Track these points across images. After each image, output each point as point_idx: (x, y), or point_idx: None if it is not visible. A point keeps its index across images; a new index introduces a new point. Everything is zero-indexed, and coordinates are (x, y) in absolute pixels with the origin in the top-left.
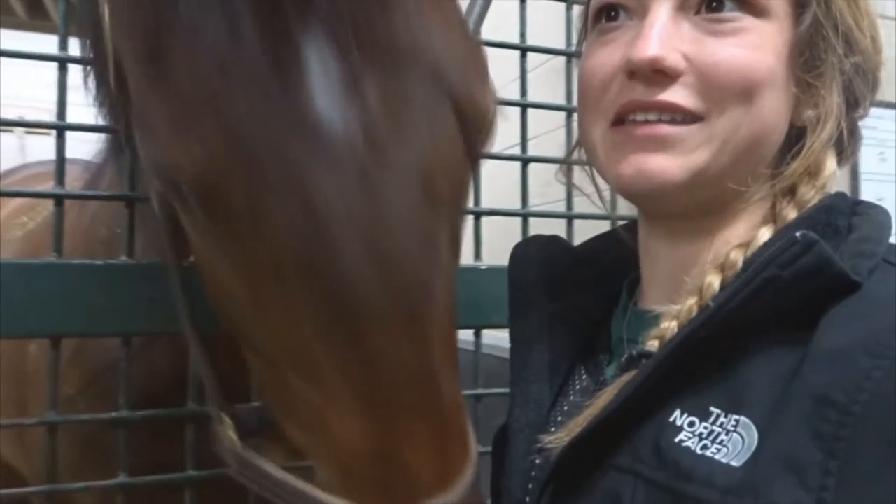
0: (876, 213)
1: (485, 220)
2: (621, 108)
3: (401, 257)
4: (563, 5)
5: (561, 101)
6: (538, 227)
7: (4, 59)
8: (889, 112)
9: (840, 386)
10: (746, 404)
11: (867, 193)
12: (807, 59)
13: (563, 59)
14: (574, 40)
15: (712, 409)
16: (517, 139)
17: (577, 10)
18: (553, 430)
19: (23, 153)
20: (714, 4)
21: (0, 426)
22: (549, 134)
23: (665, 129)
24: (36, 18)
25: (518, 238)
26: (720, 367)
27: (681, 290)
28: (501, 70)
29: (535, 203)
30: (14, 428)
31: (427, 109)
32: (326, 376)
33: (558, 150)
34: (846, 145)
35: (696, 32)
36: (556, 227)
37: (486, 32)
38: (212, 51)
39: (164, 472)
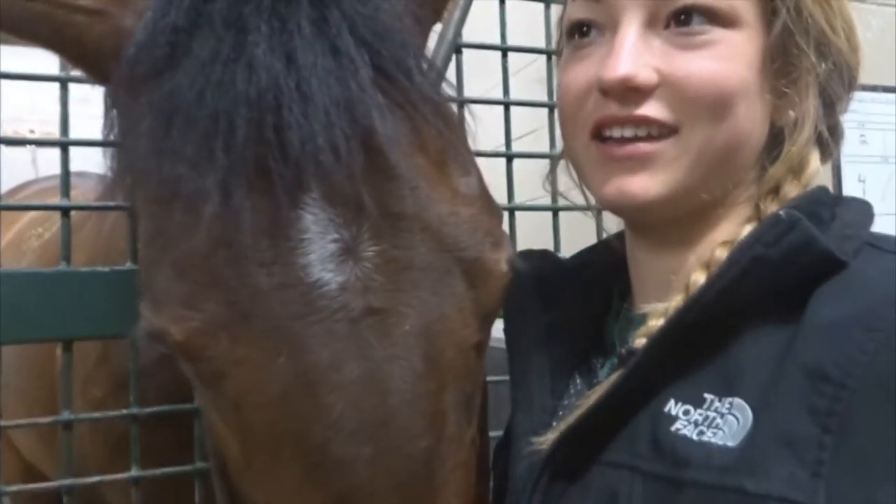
0: (857, 204)
1: None
2: (598, 122)
3: (399, 434)
4: (541, 5)
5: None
6: (527, 220)
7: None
8: (869, 95)
9: (833, 360)
10: (739, 385)
11: (849, 175)
12: (779, 65)
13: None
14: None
15: (706, 395)
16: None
17: (555, 9)
18: (546, 433)
19: (35, 166)
20: (683, 18)
21: (15, 426)
22: (534, 133)
23: (644, 148)
24: None
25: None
26: (711, 352)
27: (669, 291)
28: (491, 69)
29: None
30: (30, 427)
31: (431, 275)
32: None
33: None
34: (828, 143)
35: (666, 47)
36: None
37: (474, 35)
38: (208, 226)
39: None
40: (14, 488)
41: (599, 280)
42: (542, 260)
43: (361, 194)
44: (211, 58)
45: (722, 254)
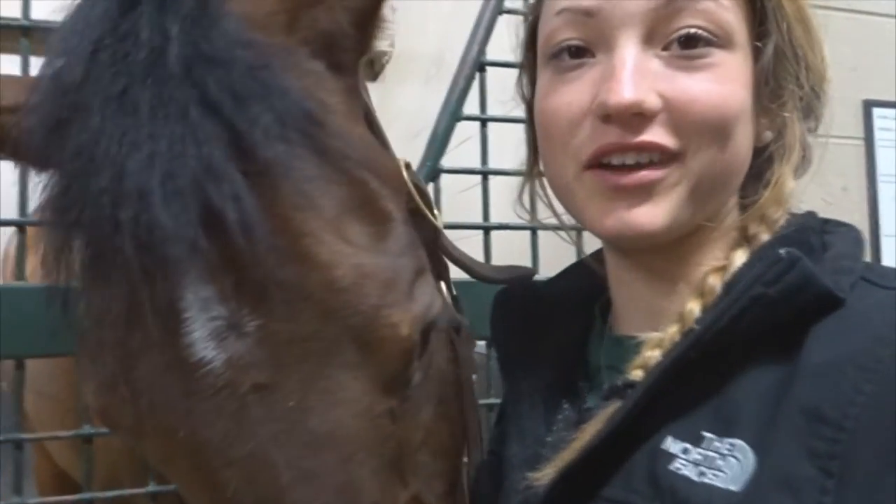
0: (847, 230)
1: (495, 234)
2: (598, 151)
3: None
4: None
5: None
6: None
7: None
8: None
9: (830, 401)
10: (739, 426)
11: (885, 195)
12: (772, 87)
13: None
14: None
15: (704, 433)
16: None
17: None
18: (540, 466)
19: None
20: (682, 40)
21: (37, 439)
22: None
23: (649, 176)
24: None
25: (526, 252)
26: (708, 389)
27: (659, 316)
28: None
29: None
30: (53, 440)
31: (317, 346)
32: None
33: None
34: (801, 160)
35: (667, 69)
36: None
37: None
38: (112, 323)
39: None
40: (35, 501)
41: (580, 300)
42: (523, 283)
43: (238, 269)
44: (76, 151)
45: (715, 282)
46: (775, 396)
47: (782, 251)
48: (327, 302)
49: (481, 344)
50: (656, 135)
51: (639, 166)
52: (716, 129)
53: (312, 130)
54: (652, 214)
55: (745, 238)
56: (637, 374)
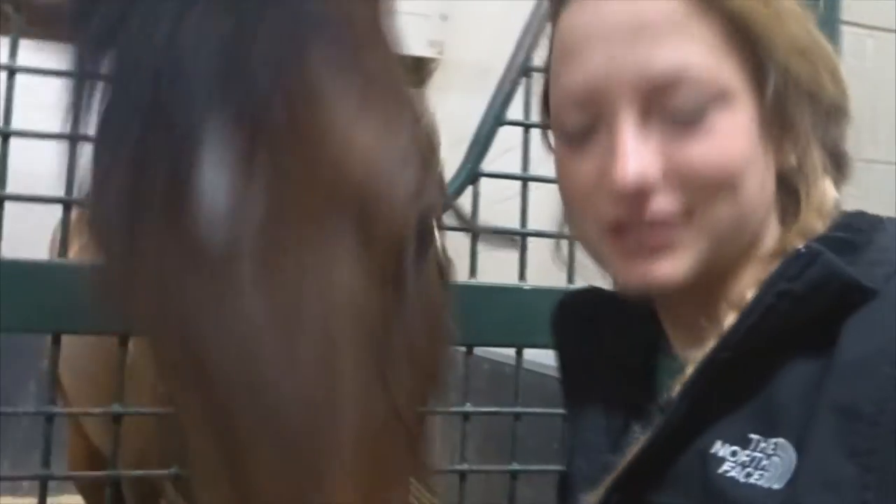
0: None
1: (531, 240)
2: (614, 223)
3: (278, 394)
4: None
5: None
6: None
7: None
8: None
9: (865, 397)
10: (781, 425)
11: None
12: (781, 125)
13: None
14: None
15: (751, 435)
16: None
17: None
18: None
19: None
20: (677, 105)
21: (67, 413)
22: None
23: (662, 238)
24: None
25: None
26: (752, 390)
27: (703, 335)
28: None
29: None
30: (85, 416)
31: (318, 230)
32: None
33: None
34: (839, 173)
35: (666, 136)
36: None
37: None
38: (117, 180)
39: None
40: (62, 474)
41: (645, 314)
42: (591, 296)
43: (250, 141)
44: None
45: (751, 293)
46: (813, 393)
47: (801, 247)
48: (335, 183)
49: (511, 350)
50: (663, 203)
51: (653, 227)
52: (721, 187)
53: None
54: (671, 268)
55: (786, 252)
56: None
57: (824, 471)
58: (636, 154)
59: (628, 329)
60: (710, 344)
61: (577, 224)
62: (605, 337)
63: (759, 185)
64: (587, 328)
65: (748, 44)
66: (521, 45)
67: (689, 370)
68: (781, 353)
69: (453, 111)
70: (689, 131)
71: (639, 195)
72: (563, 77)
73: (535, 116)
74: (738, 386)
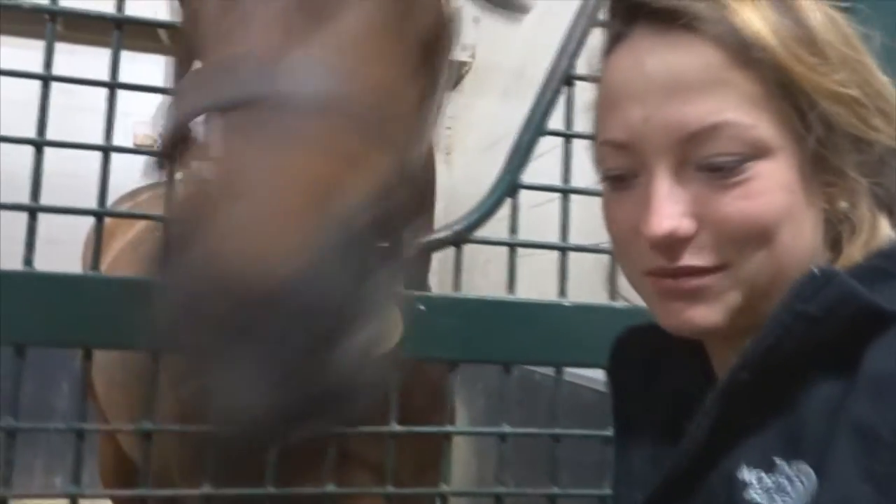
0: None
1: (572, 256)
2: (649, 271)
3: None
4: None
5: None
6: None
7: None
8: None
9: (885, 420)
10: (803, 448)
11: None
12: (826, 172)
13: None
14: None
15: (776, 459)
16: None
17: None
18: None
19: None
20: (713, 158)
21: (98, 430)
22: None
23: (697, 283)
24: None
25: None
26: (774, 412)
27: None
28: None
29: None
30: (116, 432)
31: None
32: None
33: None
34: (893, 215)
35: (701, 189)
36: None
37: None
38: None
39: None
40: (92, 492)
41: (697, 344)
42: (648, 332)
43: None
44: None
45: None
46: (834, 415)
47: (815, 268)
48: None
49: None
50: (696, 258)
51: (688, 272)
52: (755, 240)
53: None
54: (705, 314)
55: None
56: None
57: (841, 492)
58: (669, 208)
59: (680, 360)
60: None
61: (621, 262)
62: (659, 369)
63: (799, 233)
64: (642, 361)
65: (789, 96)
66: (563, 53)
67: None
68: (803, 374)
69: (485, 115)
70: (725, 183)
71: (671, 248)
72: (604, 124)
73: (577, 126)
74: (762, 408)
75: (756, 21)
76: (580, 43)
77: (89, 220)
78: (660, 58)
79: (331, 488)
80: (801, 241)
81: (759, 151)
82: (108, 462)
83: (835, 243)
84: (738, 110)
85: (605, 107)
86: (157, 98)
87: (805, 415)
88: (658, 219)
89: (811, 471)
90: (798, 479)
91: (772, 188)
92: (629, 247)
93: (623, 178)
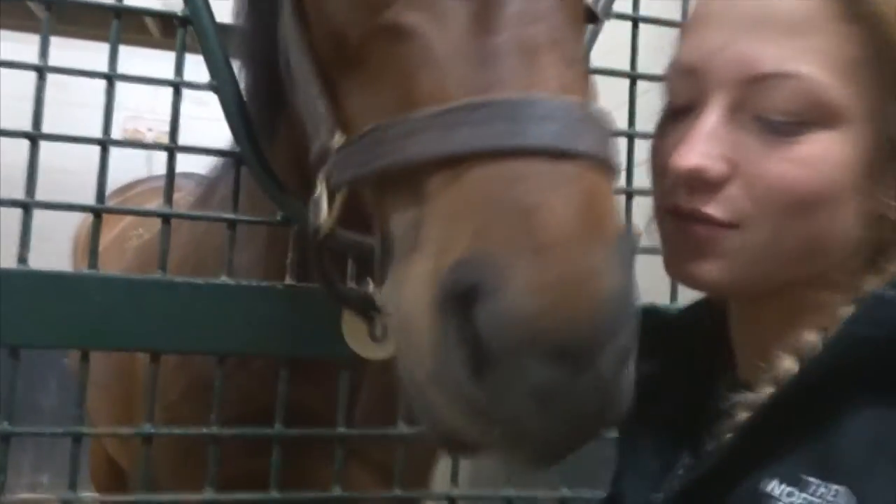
0: None
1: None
2: (671, 205)
3: None
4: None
5: None
6: None
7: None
8: None
9: None
10: (843, 471)
11: None
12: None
13: None
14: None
15: (809, 478)
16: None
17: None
18: None
19: (149, 163)
20: (771, 109)
21: (97, 434)
22: None
23: (703, 234)
24: (168, 37)
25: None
26: (811, 431)
27: (767, 359)
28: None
29: None
30: (112, 436)
31: None
32: None
33: None
34: None
35: (748, 139)
36: None
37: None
38: None
39: (254, 483)
40: (89, 495)
41: (710, 336)
42: (647, 319)
43: None
44: None
45: (813, 339)
46: (877, 442)
47: (884, 292)
48: None
49: None
50: (713, 208)
51: (703, 221)
52: (785, 209)
53: None
54: (708, 269)
55: (866, 295)
56: (743, 416)
57: None
58: (709, 140)
59: (690, 352)
60: (766, 390)
61: (655, 198)
62: (668, 360)
63: (839, 218)
64: (651, 352)
65: (886, 69)
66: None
67: (743, 414)
68: (846, 397)
69: None
70: (776, 142)
71: (694, 188)
72: (682, 45)
73: (640, 126)
74: (800, 425)
75: None
76: (595, 35)
77: (77, 217)
78: None
79: (337, 491)
80: (839, 227)
81: (824, 118)
82: (98, 465)
83: (878, 250)
84: (819, 66)
85: (689, 26)
86: (150, 92)
87: (845, 437)
88: (689, 152)
89: (854, 496)
90: (836, 501)
91: (824, 160)
92: (660, 179)
93: (682, 110)
